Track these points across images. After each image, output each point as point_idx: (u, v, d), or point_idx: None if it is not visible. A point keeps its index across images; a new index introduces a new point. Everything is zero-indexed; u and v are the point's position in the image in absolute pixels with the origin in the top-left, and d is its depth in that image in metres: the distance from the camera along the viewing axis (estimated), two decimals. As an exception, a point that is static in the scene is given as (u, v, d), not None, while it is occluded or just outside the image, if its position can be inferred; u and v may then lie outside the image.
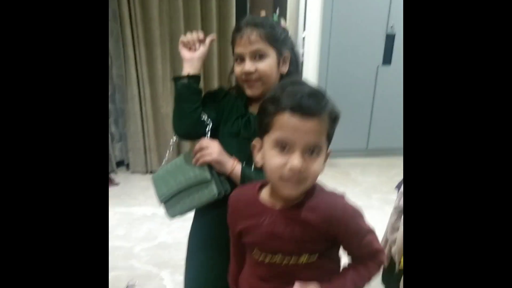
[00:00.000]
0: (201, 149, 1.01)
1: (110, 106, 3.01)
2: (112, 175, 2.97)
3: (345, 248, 0.82)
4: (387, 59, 3.21)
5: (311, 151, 0.70)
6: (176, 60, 2.84)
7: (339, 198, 0.78)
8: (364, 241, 0.79)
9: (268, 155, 0.72)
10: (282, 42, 1.01)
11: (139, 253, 2.06)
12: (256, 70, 0.98)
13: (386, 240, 1.49)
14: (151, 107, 2.90)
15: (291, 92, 0.69)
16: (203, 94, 1.10)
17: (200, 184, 1.01)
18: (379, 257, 0.81)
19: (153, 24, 2.69)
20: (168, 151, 1.18)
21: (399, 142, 2.30)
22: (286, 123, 0.68)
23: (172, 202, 1.08)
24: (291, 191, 0.73)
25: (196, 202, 1.03)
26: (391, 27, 3.13)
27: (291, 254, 0.76)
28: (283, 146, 0.70)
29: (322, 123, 0.69)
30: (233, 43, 1.01)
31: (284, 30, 1.04)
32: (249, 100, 1.06)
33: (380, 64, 3.23)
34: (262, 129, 0.73)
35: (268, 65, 0.99)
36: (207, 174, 1.00)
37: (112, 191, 2.73)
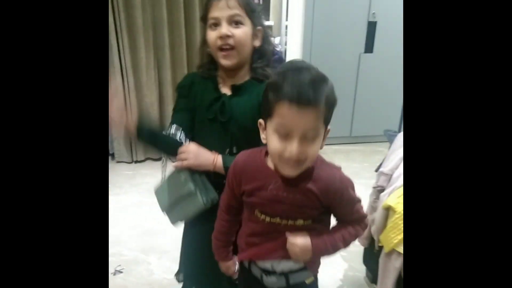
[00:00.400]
0: (179, 155, 1.02)
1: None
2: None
3: (336, 215, 0.91)
4: (369, 47, 3.26)
5: (308, 136, 0.75)
6: (159, 49, 2.83)
7: (337, 170, 0.87)
8: (355, 208, 0.89)
9: (270, 139, 0.79)
10: (257, 15, 1.01)
11: (127, 240, 2.08)
12: (233, 35, 0.97)
13: (366, 220, 1.55)
14: (135, 96, 2.89)
15: (291, 81, 0.73)
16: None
17: (187, 196, 1.02)
18: (365, 222, 0.93)
19: (136, 12, 2.68)
20: (162, 171, 1.19)
21: (381, 130, 2.37)
22: (286, 112, 0.73)
23: (170, 213, 1.13)
24: (290, 171, 0.80)
25: (188, 213, 1.05)
26: (373, 13, 3.17)
27: (288, 218, 0.84)
28: (283, 132, 0.75)
29: (319, 110, 0.74)
30: (208, 8, 0.99)
31: (259, 5, 1.05)
32: (220, 80, 1.07)
33: (362, 52, 3.28)
34: (265, 113, 0.79)
35: (244, 32, 0.98)
36: (190, 186, 1.00)
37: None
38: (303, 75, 0.74)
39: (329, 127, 0.81)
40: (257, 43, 1.03)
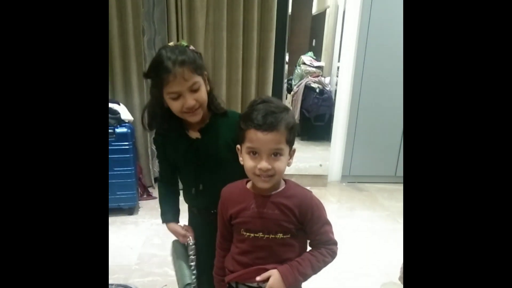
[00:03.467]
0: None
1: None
2: (150, 189, 3.16)
3: (308, 233, 1.04)
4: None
5: (274, 154, 0.95)
6: (217, 85, 3.01)
7: (308, 192, 1.05)
8: (323, 228, 1.03)
9: (244, 159, 0.99)
10: (201, 65, 1.09)
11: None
12: (196, 99, 1.06)
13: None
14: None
15: (257, 110, 0.94)
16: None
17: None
18: (332, 247, 1.05)
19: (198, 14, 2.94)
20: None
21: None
22: (253, 137, 0.94)
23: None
24: (263, 184, 0.98)
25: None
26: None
27: (269, 233, 1.00)
28: (254, 152, 0.95)
29: (280, 133, 0.93)
30: (161, 83, 1.04)
31: (196, 52, 1.10)
32: (186, 127, 1.17)
33: (410, 95, 3.32)
34: (240, 139, 1.00)
35: (203, 92, 1.09)
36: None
37: (149, 204, 2.93)
38: (266, 106, 0.95)
39: (294, 147, 1.00)
40: (208, 87, 1.12)
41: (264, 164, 0.94)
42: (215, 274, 1.16)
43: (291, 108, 4.86)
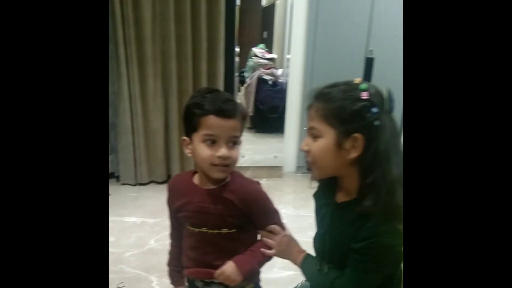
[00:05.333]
0: (269, 242, 1.06)
1: (103, 120, 3.12)
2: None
3: (256, 226, 1.03)
4: (366, 80, 3.40)
5: (232, 142, 0.92)
6: (166, 78, 2.99)
7: (254, 184, 1.02)
8: (271, 220, 1.02)
9: (198, 149, 0.92)
10: (349, 121, 0.85)
11: (129, 258, 2.16)
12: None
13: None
14: (142, 122, 3.03)
15: (212, 99, 0.91)
16: None
17: None
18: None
19: (146, 44, 2.85)
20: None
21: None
22: (213, 123, 0.90)
23: None
24: (220, 174, 0.94)
25: None
26: (371, 50, 3.34)
27: (213, 228, 0.97)
28: (211, 140, 0.90)
29: (237, 121, 0.91)
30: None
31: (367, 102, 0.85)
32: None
33: (359, 85, 3.42)
34: (190, 129, 0.94)
35: (319, 146, 0.87)
36: None
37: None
38: (219, 94, 0.94)
39: (240, 138, 0.97)
40: (353, 154, 0.87)
41: (224, 151, 0.91)
42: (169, 265, 1.14)
43: (244, 100, 4.87)
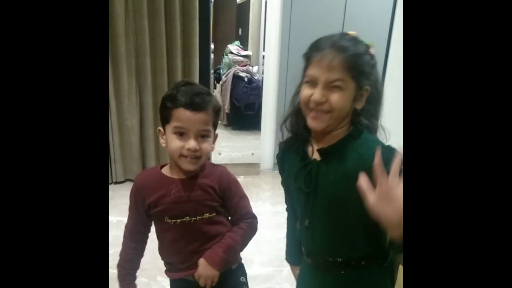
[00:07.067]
0: None
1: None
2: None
3: (228, 207, 1.05)
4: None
5: (202, 135, 0.94)
6: (141, 75, 2.94)
7: (223, 168, 1.06)
8: (241, 202, 1.06)
9: (169, 139, 0.95)
10: (366, 74, 0.83)
11: (105, 259, 2.12)
12: (327, 100, 0.81)
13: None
14: (116, 120, 2.97)
15: (184, 91, 0.93)
16: None
17: None
18: (252, 220, 1.08)
19: (119, 40, 2.80)
20: None
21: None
22: (182, 116, 0.92)
23: None
24: (190, 166, 0.96)
25: None
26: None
27: (196, 215, 0.99)
28: (181, 133, 0.93)
29: (208, 115, 0.93)
30: (307, 62, 0.88)
31: (372, 58, 0.85)
32: (311, 141, 0.92)
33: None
34: (164, 120, 0.96)
35: (342, 99, 0.81)
36: None
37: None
38: (192, 88, 0.95)
39: (216, 133, 1.01)
40: (359, 105, 0.85)
41: (192, 144, 0.92)
42: (120, 267, 1.10)
43: (220, 97, 4.86)
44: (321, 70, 0.81)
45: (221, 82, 5.09)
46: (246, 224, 1.06)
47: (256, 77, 4.88)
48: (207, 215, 1.00)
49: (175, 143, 0.94)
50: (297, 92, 0.93)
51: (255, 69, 5.07)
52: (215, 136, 1.01)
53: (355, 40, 0.84)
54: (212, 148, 1.00)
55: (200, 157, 0.96)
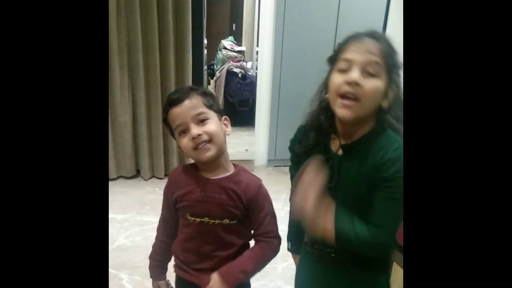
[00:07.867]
0: None
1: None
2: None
3: (252, 220, 1.02)
4: (334, 72, 3.45)
5: (200, 120, 0.96)
6: (133, 70, 2.91)
7: (257, 179, 1.04)
8: (266, 218, 1.01)
9: (179, 141, 0.99)
10: (396, 72, 0.84)
11: (97, 257, 2.10)
12: (362, 85, 0.80)
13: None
14: (109, 116, 2.94)
15: (168, 97, 1.00)
16: None
17: None
18: (273, 240, 1.03)
19: (111, 35, 2.76)
20: None
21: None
22: (173, 115, 0.96)
23: None
24: (206, 153, 0.95)
25: None
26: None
27: (216, 218, 0.98)
28: (183, 130, 0.96)
29: (193, 100, 0.95)
30: (341, 48, 0.86)
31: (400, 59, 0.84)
32: (335, 134, 0.91)
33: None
34: (171, 131, 1.01)
35: (376, 87, 0.81)
36: None
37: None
38: (174, 91, 1.01)
39: (225, 116, 1.02)
40: (385, 103, 0.84)
41: (194, 132, 0.93)
42: (150, 258, 1.13)
43: (214, 93, 4.83)
44: (360, 53, 0.81)
45: (215, 78, 5.06)
46: (269, 245, 1.01)
47: (250, 73, 4.85)
48: (226, 221, 0.98)
49: (183, 141, 0.96)
50: (321, 90, 0.93)
51: (249, 64, 5.04)
52: (225, 119, 1.02)
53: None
54: (227, 132, 1.01)
55: (210, 140, 0.95)
